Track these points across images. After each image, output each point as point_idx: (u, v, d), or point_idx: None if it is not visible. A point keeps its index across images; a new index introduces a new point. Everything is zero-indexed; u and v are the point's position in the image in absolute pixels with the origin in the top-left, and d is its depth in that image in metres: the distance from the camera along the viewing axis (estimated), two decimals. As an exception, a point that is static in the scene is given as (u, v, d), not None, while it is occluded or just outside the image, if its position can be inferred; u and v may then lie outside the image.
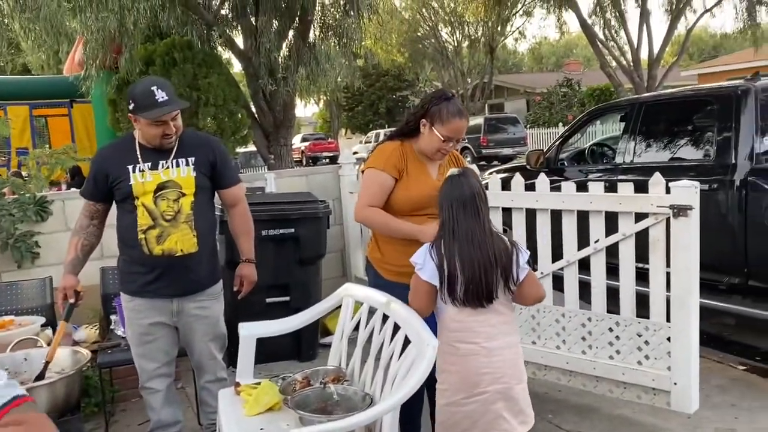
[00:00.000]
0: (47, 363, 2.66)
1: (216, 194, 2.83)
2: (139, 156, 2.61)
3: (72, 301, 2.65)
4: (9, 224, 4.06)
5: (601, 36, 18.83)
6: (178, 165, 2.63)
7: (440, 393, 2.23)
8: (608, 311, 3.29)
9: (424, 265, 2.18)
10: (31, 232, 4.18)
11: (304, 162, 27.78)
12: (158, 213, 2.57)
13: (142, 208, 2.58)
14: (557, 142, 5.69)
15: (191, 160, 2.64)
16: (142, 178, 2.58)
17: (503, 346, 2.16)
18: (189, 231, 2.60)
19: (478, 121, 21.11)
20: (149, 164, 2.60)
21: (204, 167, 2.67)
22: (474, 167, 2.82)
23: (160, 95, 2.51)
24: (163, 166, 2.61)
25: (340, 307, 2.70)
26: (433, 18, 28.18)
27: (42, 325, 3.41)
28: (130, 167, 2.59)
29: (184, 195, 2.61)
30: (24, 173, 7.31)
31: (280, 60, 8.57)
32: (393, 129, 2.89)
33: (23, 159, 4.82)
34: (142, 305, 2.68)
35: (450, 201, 2.21)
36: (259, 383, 2.44)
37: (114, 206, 2.71)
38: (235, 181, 2.82)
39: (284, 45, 8.88)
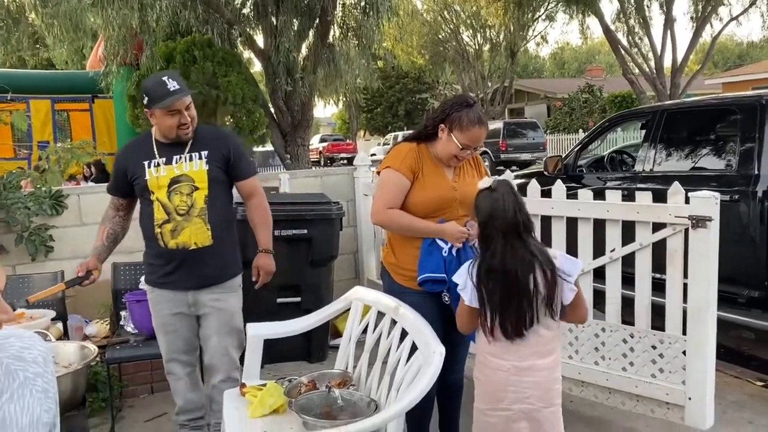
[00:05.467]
0: (27, 302, 2.78)
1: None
2: (155, 151, 2.67)
3: (81, 275, 2.70)
4: (24, 217, 4.09)
5: (624, 42, 18.66)
6: (191, 159, 2.66)
7: (475, 395, 2.19)
8: (623, 322, 3.23)
9: (465, 286, 2.09)
10: (46, 225, 4.20)
11: (322, 162, 27.85)
12: (172, 207, 2.62)
13: (158, 203, 2.63)
14: (576, 149, 5.62)
15: (204, 153, 2.67)
16: (156, 173, 2.64)
17: (536, 367, 2.05)
18: (203, 225, 2.63)
19: (497, 125, 20.99)
20: (164, 159, 2.65)
21: (218, 160, 2.69)
22: (510, 174, 2.72)
23: (172, 84, 2.56)
24: (176, 161, 2.65)
25: (349, 309, 2.67)
26: (454, 21, 28.11)
27: (52, 319, 3.42)
28: (146, 163, 2.66)
29: (197, 189, 2.64)
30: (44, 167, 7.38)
31: (299, 60, 8.59)
32: (411, 131, 2.85)
33: (43, 153, 4.85)
34: (161, 296, 2.75)
35: (485, 219, 2.08)
36: (264, 384, 2.42)
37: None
38: (251, 173, 2.83)
39: (303, 45, 8.90)
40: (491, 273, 2.04)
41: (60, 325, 3.52)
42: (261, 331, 2.62)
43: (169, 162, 2.65)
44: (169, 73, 2.67)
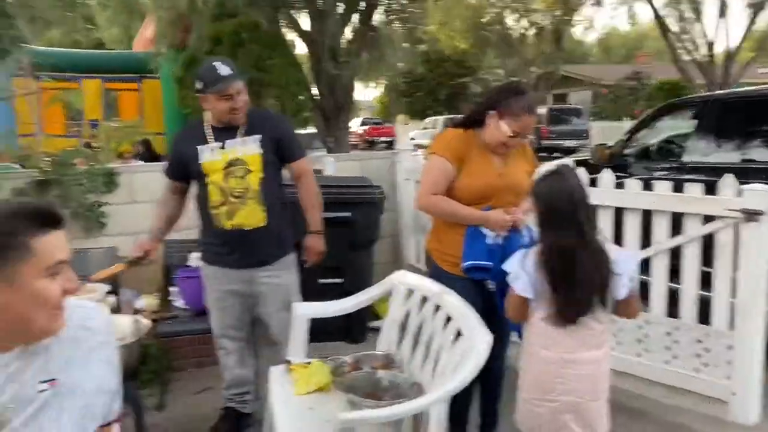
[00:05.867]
0: (90, 280, 2.88)
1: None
2: (209, 136, 2.74)
3: (139, 255, 2.79)
4: (79, 193, 4.23)
5: (675, 28, 18.13)
6: (244, 143, 2.72)
7: (519, 385, 2.20)
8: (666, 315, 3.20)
9: (518, 276, 2.07)
10: (99, 202, 4.34)
11: (362, 146, 27.88)
12: (228, 190, 2.70)
13: (214, 186, 2.71)
14: (624, 137, 5.52)
15: (257, 137, 2.73)
16: (211, 157, 2.71)
17: (584, 360, 2.04)
18: (257, 206, 2.71)
19: (540, 111, 20.67)
20: (218, 143, 2.72)
21: (270, 143, 2.75)
22: (570, 160, 2.70)
23: (224, 69, 2.63)
24: (230, 145, 2.72)
25: (391, 292, 2.70)
26: (499, 4, 27.66)
27: (107, 293, 3.54)
28: (201, 147, 2.73)
29: (251, 171, 2.71)
30: (94, 144, 7.59)
31: (343, 43, 8.61)
32: (451, 116, 2.86)
33: (94, 131, 5.00)
34: (216, 273, 2.85)
35: (546, 206, 2.05)
36: (309, 363, 2.48)
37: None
38: (301, 155, 2.90)
39: (348, 28, 8.91)
40: (552, 255, 2.01)
41: (113, 298, 3.65)
42: (308, 310, 2.68)
43: (223, 146, 2.72)
44: (221, 58, 2.73)
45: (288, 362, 2.56)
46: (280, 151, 2.80)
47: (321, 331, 3.92)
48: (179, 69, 8.34)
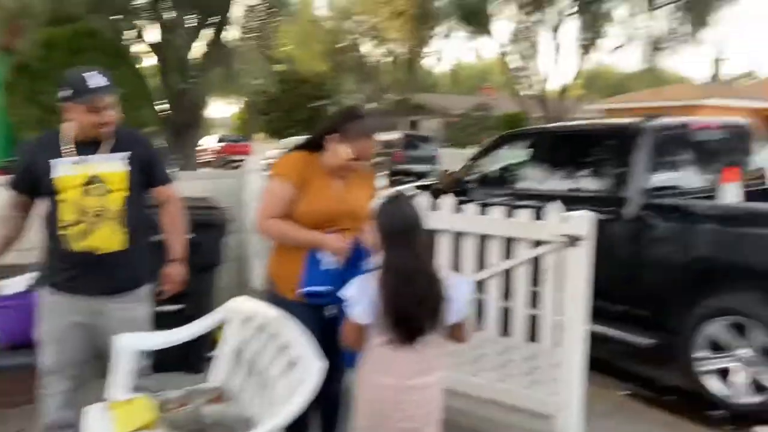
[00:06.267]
0: None
1: None
2: (66, 149, 2.50)
3: None
4: None
5: (515, 65, 19.60)
6: (109, 160, 2.52)
7: (354, 412, 2.18)
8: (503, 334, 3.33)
9: (356, 302, 2.06)
10: None
11: (219, 164, 27.04)
12: (84, 208, 2.47)
13: (67, 203, 2.47)
14: (466, 164, 5.78)
15: (124, 155, 2.55)
16: (68, 172, 2.48)
17: (419, 386, 2.07)
18: (117, 228, 2.51)
19: (393, 136, 21.35)
20: (77, 158, 2.49)
21: (137, 163, 2.58)
22: (409, 187, 2.78)
23: (98, 80, 2.44)
24: (92, 161, 2.50)
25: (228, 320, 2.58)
26: (355, 31, 28.33)
27: None
28: (56, 161, 2.49)
29: (114, 191, 2.51)
30: None
31: (194, 58, 8.33)
32: (302, 138, 2.83)
33: None
34: (60, 301, 2.56)
35: (381, 231, 2.10)
36: (133, 399, 2.28)
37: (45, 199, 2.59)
38: (167, 180, 2.75)
39: (199, 43, 8.65)
40: (389, 278, 2.03)
41: None
42: (132, 342, 2.47)
43: (83, 161, 2.49)
44: (96, 69, 2.52)
45: (108, 399, 2.33)
46: (147, 174, 2.63)
47: (155, 360, 3.68)
48: (8, 74, 7.62)
